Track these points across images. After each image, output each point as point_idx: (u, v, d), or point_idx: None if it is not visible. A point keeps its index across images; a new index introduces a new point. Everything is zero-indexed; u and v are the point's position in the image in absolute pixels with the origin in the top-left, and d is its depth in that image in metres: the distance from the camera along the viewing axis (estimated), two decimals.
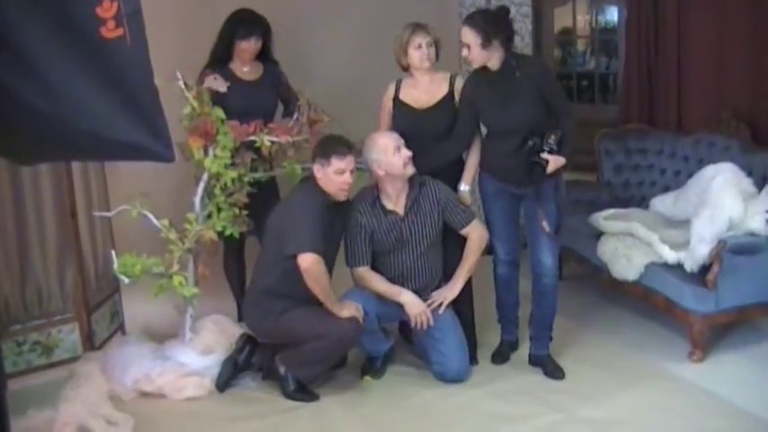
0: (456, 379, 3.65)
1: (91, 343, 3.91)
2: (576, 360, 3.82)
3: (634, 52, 5.21)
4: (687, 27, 4.84)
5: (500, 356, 3.88)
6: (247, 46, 3.95)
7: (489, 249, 3.78)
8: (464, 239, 3.69)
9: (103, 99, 1.86)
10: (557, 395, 3.52)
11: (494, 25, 3.39)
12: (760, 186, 3.93)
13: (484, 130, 3.72)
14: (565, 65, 7.62)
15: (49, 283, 3.81)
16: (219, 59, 3.98)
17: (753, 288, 3.80)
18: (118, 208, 3.74)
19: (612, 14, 7.52)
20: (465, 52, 3.46)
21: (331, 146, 3.49)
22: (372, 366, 3.76)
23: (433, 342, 3.66)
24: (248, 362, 3.68)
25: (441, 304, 3.66)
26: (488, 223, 3.77)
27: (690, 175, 4.33)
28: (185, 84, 3.60)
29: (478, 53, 3.43)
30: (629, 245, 4.13)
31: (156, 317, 4.11)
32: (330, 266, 3.59)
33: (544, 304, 3.70)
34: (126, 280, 3.60)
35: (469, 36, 3.40)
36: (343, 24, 5.15)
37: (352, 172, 3.50)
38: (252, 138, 3.68)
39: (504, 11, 3.50)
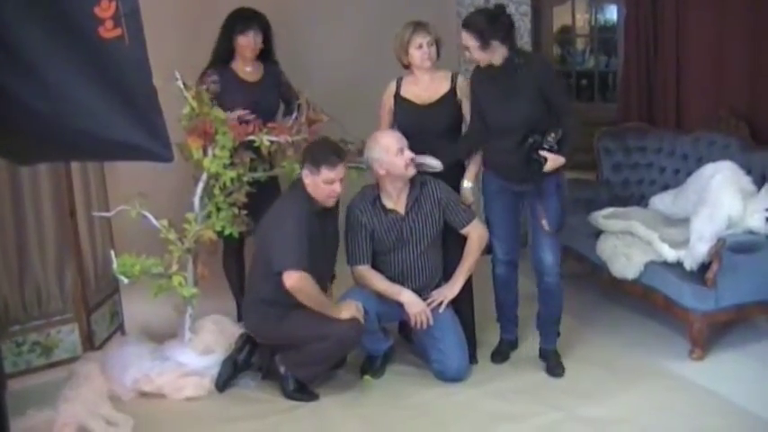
0: (456, 378, 3.65)
1: (90, 343, 3.90)
2: (575, 358, 3.81)
3: (633, 51, 5.21)
4: (686, 26, 4.84)
5: (500, 355, 3.88)
6: (246, 42, 3.95)
7: (489, 249, 3.78)
8: (464, 239, 3.69)
9: (102, 99, 1.86)
10: (556, 394, 3.52)
11: (490, 25, 3.39)
12: (759, 184, 3.94)
13: None
14: (564, 63, 7.62)
15: (48, 284, 3.80)
16: (221, 58, 3.99)
17: (752, 286, 3.80)
18: (117, 208, 3.74)
19: (612, 13, 7.51)
20: (467, 54, 3.49)
21: (321, 154, 3.42)
22: (372, 366, 3.76)
23: (433, 341, 3.66)
24: (248, 362, 3.68)
25: (440, 303, 3.66)
26: (488, 222, 3.77)
27: (689, 174, 4.33)
28: (184, 84, 3.60)
29: (479, 54, 3.45)
30: (629, 243, 4.13)
31: (156, 317, 4.11)
32: (330, 269, 3.59)
33: (550, 303, 3.71)
34: (125, 280, 3.60)
35: (468, 39, 3.42)
36: (343, 23, 5.16)
37: (341, 180, 3.44)
38: (251, 137, 3.68)
39: (499, 9, 3.49)
